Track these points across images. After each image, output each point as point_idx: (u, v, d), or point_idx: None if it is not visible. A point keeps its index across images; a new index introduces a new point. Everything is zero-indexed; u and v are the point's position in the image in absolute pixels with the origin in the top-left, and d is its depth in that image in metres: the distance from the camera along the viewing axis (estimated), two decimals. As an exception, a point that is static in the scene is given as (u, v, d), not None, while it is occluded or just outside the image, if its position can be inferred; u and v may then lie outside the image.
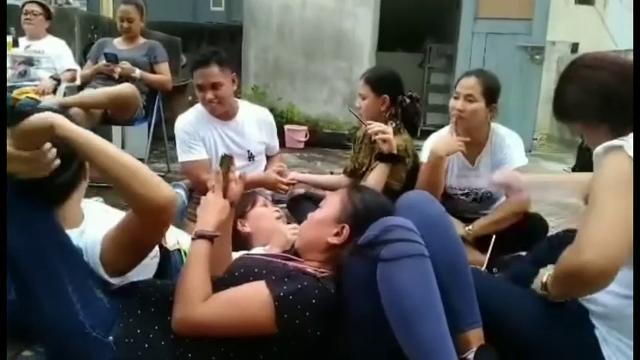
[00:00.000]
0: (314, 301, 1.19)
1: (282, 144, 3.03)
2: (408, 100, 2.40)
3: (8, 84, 3.47)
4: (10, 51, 3.68)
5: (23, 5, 3.82)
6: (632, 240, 1.04)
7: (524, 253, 1.96)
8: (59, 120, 1.11)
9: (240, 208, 1.87)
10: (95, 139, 1.15)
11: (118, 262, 1.28)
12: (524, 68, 5.78)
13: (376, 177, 2.12)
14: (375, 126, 2.12)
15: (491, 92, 2.16)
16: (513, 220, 2.17)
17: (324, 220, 1.41)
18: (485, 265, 2.08)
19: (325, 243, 1.37)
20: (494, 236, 2.16)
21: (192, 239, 1.29)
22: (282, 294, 1.17)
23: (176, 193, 1.25)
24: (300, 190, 2.59)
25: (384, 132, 2.10)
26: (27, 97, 3.36)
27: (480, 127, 2.22)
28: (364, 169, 2.40)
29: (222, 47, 7.16)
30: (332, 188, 2.53)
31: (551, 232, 2.11)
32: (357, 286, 1.24)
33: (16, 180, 1.10)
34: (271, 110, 2.84)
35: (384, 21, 6.08)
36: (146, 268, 1.41)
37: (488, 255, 2.13)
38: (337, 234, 1.36)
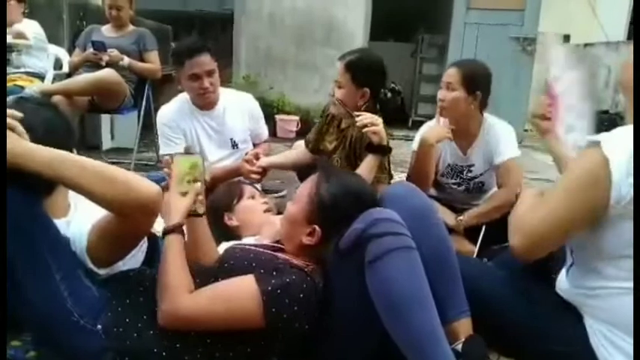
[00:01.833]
0: (302, 295, 1.18)
1: (273, 134, 3.01)
2: (389, 94, 2.24)
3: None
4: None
5: None
6: (564, 235, 1.20)
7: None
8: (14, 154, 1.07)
9: (227, 201, 1.84)
10: (57, 155, 1.12)
11: (104, 254, 1.27)
12: (516, 59, 5.79)
13: (366, 169, 2.00)
14: (365, 118, 1.94)
15: (471, 80, 2.15)
16: (504, 211, 2.17)
17: (296, 220, 1.38)
18: (475, 255, 2.09)
19: (300, 242, 1.36)
20: (484, 226, 2.17)
21: (162, 237, 1.28)
22: (270, 288, 1.16)
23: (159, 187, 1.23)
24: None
25: (374, 123, 1.93)
26: (14, 84, 3.32)
27: (467, 116, 2.21)
28: (326, 153, 2.23)
29: (213, 36, 7.12)
30: (298, 166, 2.39)
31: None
32: (345, 285, 1.24)
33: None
34: (262, 100, 2.80)
35: (376, 10, 6.05)
36: (134, 256, 1.41)
37: (478, 245, 2.14)
38: (310, 234, 1.35)
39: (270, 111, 5.40)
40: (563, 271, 1.33)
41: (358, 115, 1.95)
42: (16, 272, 1.15)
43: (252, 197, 1.89)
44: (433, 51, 7.19)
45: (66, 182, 1.14)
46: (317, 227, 1.33)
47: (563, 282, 1.33)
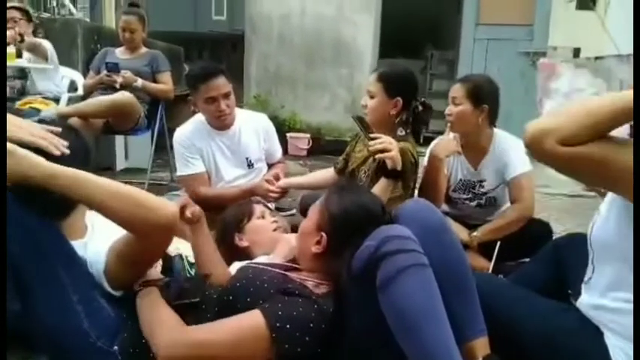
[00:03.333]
0: (312, 324, 1.18)
1: (284, 152, 3.01)
2: (420, 108, 2.15)
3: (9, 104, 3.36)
4: (14, 61, 3.58)
5: None
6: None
7: (528, 259, 1.95)
8: (37, 172, 1.10)
9: (237, 221, 1.84)
10: (80, 176, 1.15)
11: (121, 276, 1.28)
12: (526, 74, 5.77)
13: (379, 191, 1.90)
14: (378, 143, 1.83)
15: (475, 94, 2.16)
16: (518, 226, 2.16)
17: (306, 230, 1.42)
18: (490, 272, 2.07)
19: (310, 252, 1.37)
20: (498, 242, 2.15)
21: (139, 290, 1.30)
22: (278, 324, 1.15)
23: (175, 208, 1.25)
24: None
25: (387, 149, 1.83)
26: (30, 107, 3.37)
27: (476, 130, 2.22)
28: (354, 165, 2.25)
29: (224, 56, 7.20)
30: (324, 186, 2.38)
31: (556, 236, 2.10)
32: (359, 303, 1.23)
33: (18, 193, 1.11)
34: (274, 118, 2.83)
35: (385, 27, 6.09)
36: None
37: (493, 261, 2.12)
38: (318, 242, 1.36)
39: (282, 129, 5.44)
40: (583, 287, 1.31)
41: (373, 139, 1.86)
42: (32, 293, 1.16)
43: (262, 217, 1.88)
44: (443, 67, 7.22)
45: (89, 202, 1.17)
46: (323, 234, 1.35)
47: (582, 297, 1.31)
